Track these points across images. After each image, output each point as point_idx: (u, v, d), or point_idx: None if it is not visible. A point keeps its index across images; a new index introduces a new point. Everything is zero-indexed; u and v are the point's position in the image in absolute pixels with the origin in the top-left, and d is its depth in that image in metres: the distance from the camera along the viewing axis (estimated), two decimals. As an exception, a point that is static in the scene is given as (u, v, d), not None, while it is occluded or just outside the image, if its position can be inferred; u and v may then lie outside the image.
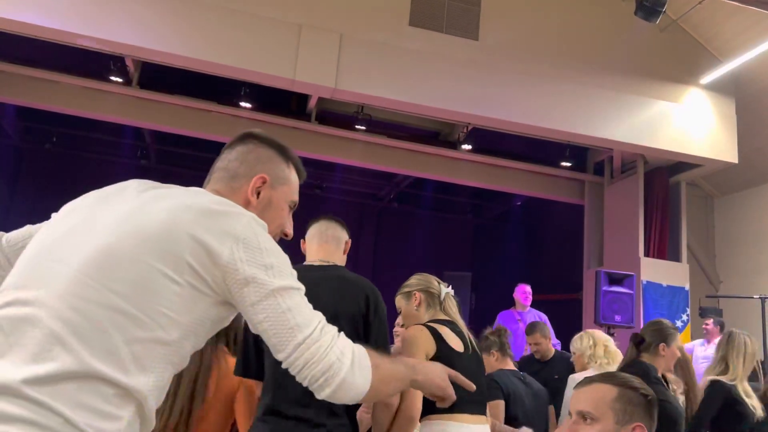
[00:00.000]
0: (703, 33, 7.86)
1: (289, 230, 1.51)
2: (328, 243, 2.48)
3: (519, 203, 11.78)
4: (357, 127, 7.91)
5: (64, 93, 7.55)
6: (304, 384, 1.21)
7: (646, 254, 8.23)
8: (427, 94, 6.88)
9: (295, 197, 1.51)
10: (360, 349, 1.27)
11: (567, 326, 8.52)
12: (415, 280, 2.82)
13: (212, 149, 9.44)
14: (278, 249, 1.28)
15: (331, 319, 2.27)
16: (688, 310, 8.07)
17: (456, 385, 2.45)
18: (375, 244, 12.82)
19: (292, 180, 1.49)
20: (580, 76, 7.43)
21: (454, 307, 2.77)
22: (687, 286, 8.20)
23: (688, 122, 7.69)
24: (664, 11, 6.00)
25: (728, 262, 9.33)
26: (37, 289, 1.14)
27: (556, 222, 11.08)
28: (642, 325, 7.43)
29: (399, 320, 2.79)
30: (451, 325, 2.66)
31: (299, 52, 6.50)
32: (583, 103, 7.35)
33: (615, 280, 6.53)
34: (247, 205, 1.38)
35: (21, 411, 1.03)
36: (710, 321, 6.87)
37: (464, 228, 13.23)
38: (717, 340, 4.59)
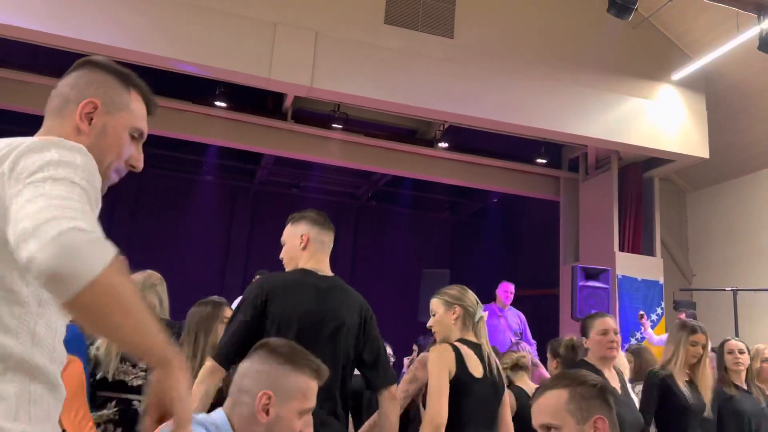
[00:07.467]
0: (674, 30, 7.98)
1: (137, 162, 1.40)
2: (322, 252, 2.61)
3: (496, 200, 11.84)
4: (334, 125, 7.89)
5: (35, 94, 7.37)
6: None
7: (621, 249, 8.33)
8: (404, 92, 6.88)
9: (139, 125, 1.40)
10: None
11: (544, 322, 8.60)
12: (457, 293, 2.83)
13: (187, 149, 9.42)
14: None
15: (338, 327, 2.41)
16: (663, 304, 8.19)
17: (468, 409, 2.59)
18: (353, 243, 12.78)
19: (133, 108, 1.39)
20: (555, 73, 7.48)
21: (484, 330, 2.82)
22: (661, 280, 8.32)
23: (660, 118, 7.79)
24: (636, 8, 6.08)
25: (701, 256, 9.49)
26: None
27: (533, 218, 11.15)
28: (618, 319, 7.54)
29: (431, 322, 2.88)
30: (477, 348, 2.71)
31: (274, 51, 6.46)
32: (557, 100, 7.41)
33: (591, 275, 6.60)
34: (77, 133, 1.29)
35: None
36: (682, 314, 6.97)
37: (442, 225, 13.25)
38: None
